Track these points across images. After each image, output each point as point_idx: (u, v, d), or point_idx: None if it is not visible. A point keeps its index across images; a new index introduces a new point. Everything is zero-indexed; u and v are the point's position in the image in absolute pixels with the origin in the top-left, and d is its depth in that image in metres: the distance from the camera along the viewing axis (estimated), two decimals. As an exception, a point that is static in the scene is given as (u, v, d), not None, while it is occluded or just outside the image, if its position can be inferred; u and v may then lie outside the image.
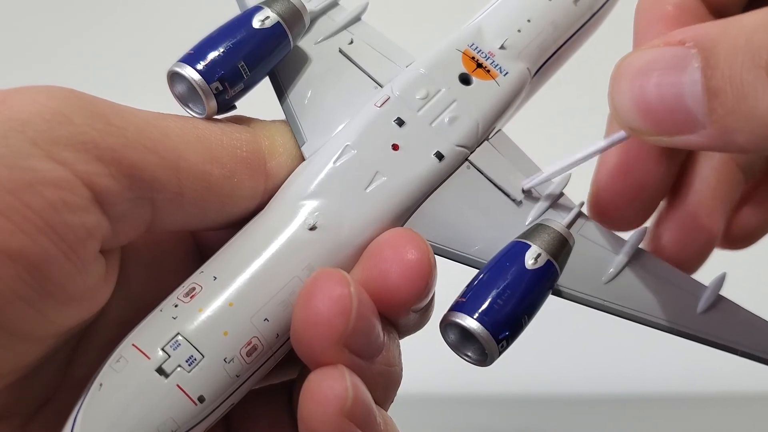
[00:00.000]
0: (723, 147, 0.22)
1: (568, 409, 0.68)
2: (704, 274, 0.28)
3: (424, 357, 0.39)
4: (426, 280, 0.25)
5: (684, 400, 0.68)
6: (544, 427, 0.68)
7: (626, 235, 0.28)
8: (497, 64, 0.30)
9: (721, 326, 0.27)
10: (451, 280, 0.28)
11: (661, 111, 0.22)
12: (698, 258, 0.33)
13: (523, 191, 0.28)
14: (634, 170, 0.32)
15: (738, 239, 0.34)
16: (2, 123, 0.22)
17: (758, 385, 0.57)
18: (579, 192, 0.29)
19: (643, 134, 0.23)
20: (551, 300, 0.26)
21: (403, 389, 0.27)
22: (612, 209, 0.32)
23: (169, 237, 0.29)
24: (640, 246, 0.28)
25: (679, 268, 0.29)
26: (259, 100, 0.28)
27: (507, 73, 0.30)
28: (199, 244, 0.30)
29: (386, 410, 0.27)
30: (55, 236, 0.22)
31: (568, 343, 0.66)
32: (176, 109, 0.27)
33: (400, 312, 0.25)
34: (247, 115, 0.28)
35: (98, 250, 0.23)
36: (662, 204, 0.34)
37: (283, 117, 0.29)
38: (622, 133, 0.26)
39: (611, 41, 0.36)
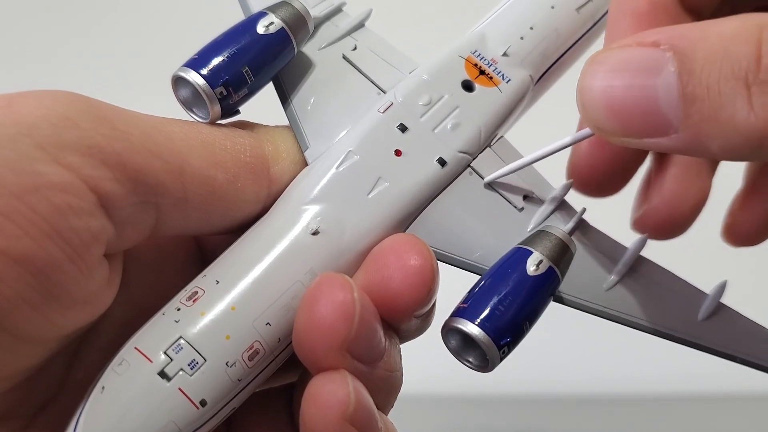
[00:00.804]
0: (694, 152, 0.22)
1: (568, 410, 0.68)
2: (705, 282, 0.28)
3: (424, 358, 0.39)
4: (429, 286, 0.25)
5: (684, 401, 0.68)
6: (544, 428, 0.68)
7: (627, 242, 0.29)
8: (500, 71, 0.30)
9: (721, 334, 0.27)
10: (452, 286, 0.28)
11: (631, 113, 0.22)
12: (690, 216, 0.33)
13: (485, 185, 0.28)
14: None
15: (747, 236, 0.35)
16: (8, 127, 0.22)
17: (758, 386, 0.58)
18: (579, 198, 0.29)
19: (610, 134, 0.23)
20: (552, 303, 0.27)
21: (403, 390, 0.27)
22: (591, 178, 0.33)
23: (171, 240, 0.29)
24: (641, 254, 0.28)
25: (671, 227, 0.29)
26: (262, 106, 0.29)
27: (509, 80, 0.30)
28: (201, 248, 0.30)
29: (386, 415, 0.27)
30: (61, 240, 0.22)
31: (568, 345, 0.66)
32: (180, 113, 0.27)
33: (403, 317, 0.26)
34: (251, 120, 0.28)
35: (102, 254, 0.24)
36: (649, 165, 0.34)
37: (286, 122, 0.29)
38: (587, 130, 0.25)
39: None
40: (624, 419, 0.68)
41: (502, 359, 0.25)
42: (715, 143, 0.21)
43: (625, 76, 0.22)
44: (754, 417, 0.67)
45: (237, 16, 0.29)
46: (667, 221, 0.33)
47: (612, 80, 0.22)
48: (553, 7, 0.32)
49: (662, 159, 0.34)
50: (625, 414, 0.68)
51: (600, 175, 0.33)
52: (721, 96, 0.20)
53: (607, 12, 0.33)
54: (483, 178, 0.29)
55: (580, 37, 0.33)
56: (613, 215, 0.34)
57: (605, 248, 0.28)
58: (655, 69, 0.21)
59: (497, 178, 0.28)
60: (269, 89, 0.29)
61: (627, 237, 0.29)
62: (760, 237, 0.35)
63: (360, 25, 0.31)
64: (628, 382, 0.68)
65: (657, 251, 0.29)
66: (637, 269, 0.28)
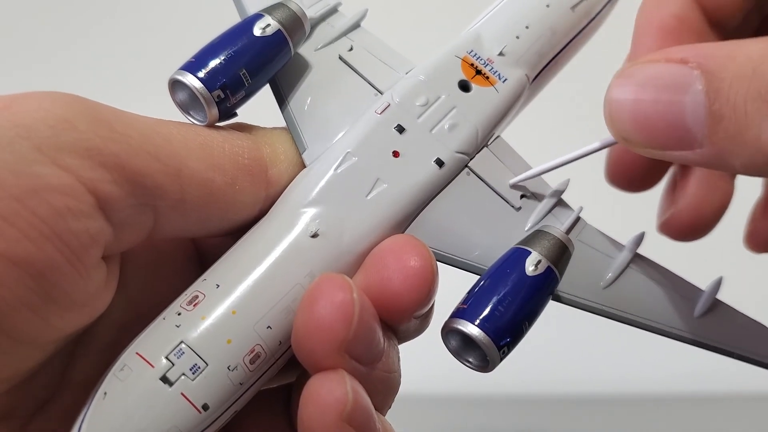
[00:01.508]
0: (716, 166, 0.23)
1: (568, 410, 0.68)
2: (701, 278, 0.28)
3: (424, 358, 0.39)
4: (428, 286, 0.25)
5: (684, 401, 0.68)
6: (544, 428, 0.68)
7: (624, 240, 0.29)
8: (496, 71, 0.30)
9: (717, 330, 0.27)
10: (451, 287, 0.28)
11: (657, 126, 0.23)
12: (716, 217, 0.34)
13: (511, 187, 0.29)
14: None
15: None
16: (7, 129, 0.22)
17: (758, 386, 0.58)
18: (576, 197, 0.30)
19: (635, 145, 0.24)
20: (551, 302, 0.27)
21: (402, 390, 0.27)
22: (629, 173, 0.35)
23: (169, 242, 0.29)
24: (637, 251, 0.28)
25: (697, 230, 0.31)
26: (259, 108, 0.29)
27: (506, 79, 0.30)
28: (198, 250, 0.30)
29: (384, 416, 0.27)
30: (60, 243, 0.22)
31: (568, 344, 0.66)
32: (177, 115, 0.27)
33: (402, 318, 0.26)
34: (248, 123, 0.28)
35: (100, 256, 0.24)
36: (674, 170, 0.35)
37: (283, 124, 0.29)
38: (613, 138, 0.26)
39: (609, 46, 0.36)
40: (624, 419, 0.68)
41: (501, 359, 0.25)
42: (739, 161, 0.22)
43: (653, 90, 0.23)
44: (754, 417, 0.67)
45: (233, 18, 0.29)
46: (693, 224, 0.34)
47: (640, 94, 0.23)
48: (548, 6, 0.32)
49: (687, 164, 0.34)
50: (625, 414, 0.68)
51: (638, 169, 0.34)
52: (747, 116, 0.21)
53: (601, 10, 0.33)
54: (481, 179, 0.29)
55: (575, 36, 0.33)
56: (609, 213, 0.34)
57: (602, 246, 0.28)
58: (683, 86, 0.22)
59: (522, 180, 0.29)
60: (266, 91, 0.29)
61: (624, 235, 0.29)
62: None
63: (356, 26, 0.31)
64: (628, 382, 0.68)
65: (654, 249, 0.29)
66: (634, 266, 0.28)
